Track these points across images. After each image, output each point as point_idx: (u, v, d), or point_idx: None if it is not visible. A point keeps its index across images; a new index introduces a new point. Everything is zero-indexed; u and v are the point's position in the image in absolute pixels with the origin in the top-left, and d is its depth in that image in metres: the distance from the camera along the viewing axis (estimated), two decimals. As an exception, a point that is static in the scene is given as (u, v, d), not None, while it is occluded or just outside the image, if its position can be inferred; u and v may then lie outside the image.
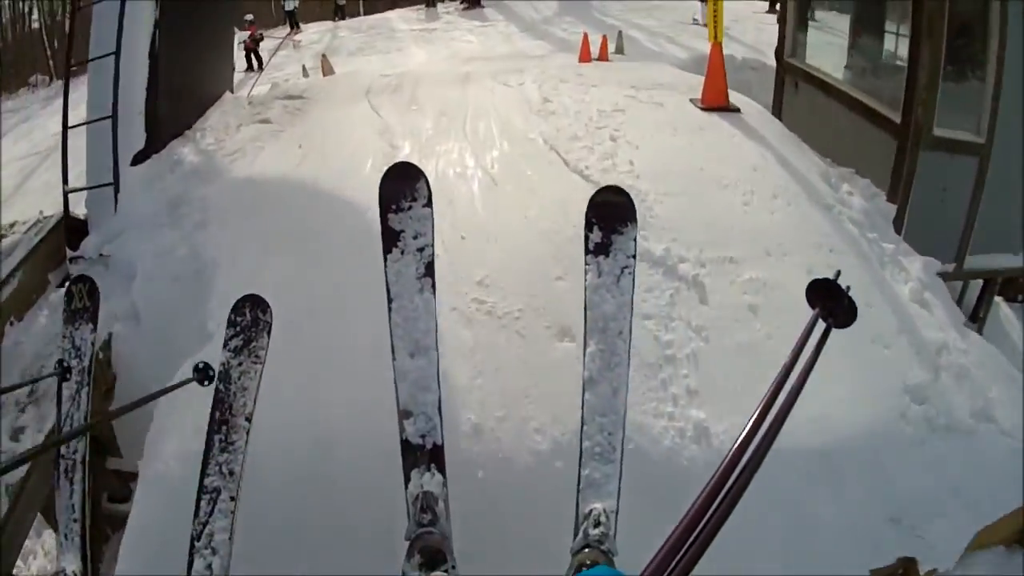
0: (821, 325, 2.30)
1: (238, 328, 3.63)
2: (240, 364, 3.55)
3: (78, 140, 7.83)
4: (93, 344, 3.93)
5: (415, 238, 3.29)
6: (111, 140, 7.72)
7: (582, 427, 3.03)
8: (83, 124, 7.87)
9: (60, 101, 8.21)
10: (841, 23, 10.43)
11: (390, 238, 3.28)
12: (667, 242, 6.20)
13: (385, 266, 3.28)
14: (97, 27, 7.98)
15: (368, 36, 26.90)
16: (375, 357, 3.57)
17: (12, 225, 7.70)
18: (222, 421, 3.40)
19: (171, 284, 6.61)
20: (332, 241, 6.36)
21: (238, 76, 23.07)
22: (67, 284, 4.50)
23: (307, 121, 9.33)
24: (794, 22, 10.89)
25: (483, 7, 28.81)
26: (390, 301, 3.25)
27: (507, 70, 11.51)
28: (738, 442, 1.61)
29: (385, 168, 3.35)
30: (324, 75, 18.47)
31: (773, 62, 14.24)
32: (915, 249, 6.87)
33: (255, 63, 24.86)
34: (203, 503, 3.20)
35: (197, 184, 7.71)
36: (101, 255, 7.29)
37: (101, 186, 7.68)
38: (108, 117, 7.72)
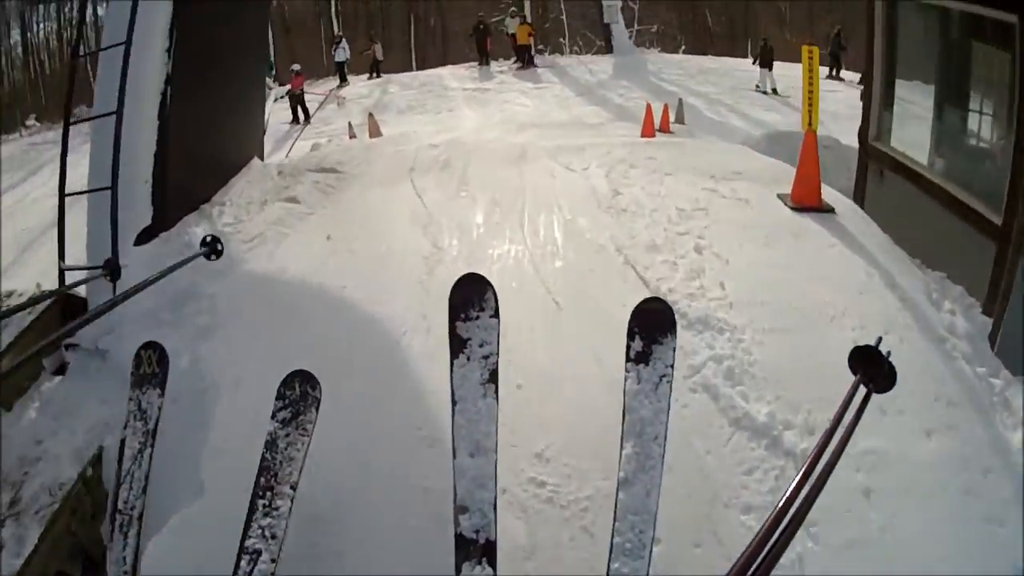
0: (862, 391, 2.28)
1: (287, 401, 3.82)
2: (287, 435, 3.73)
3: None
4: (160, 409, 4.08)
5: (481, 346, 3.59)
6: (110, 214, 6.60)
7: (614, 523, 3.12)
8: (81, 193, 6.83)
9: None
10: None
11: (457, 345, 3.59)
12: (770, 402, 4.84)
13: (451, 371, 3.56)
14: (101, 79, 6.93)
15: (419, 94, 25.70)
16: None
17: (9, 295, 6.73)
18: (267, 487, 3.54)
19: (168, 405, 5.16)
20: (354, 368, 5.22)
21: (282, 127, 22.49)
22: (137, 350, 4.41)
23: (340, 203, 8.13)
24: (879, 100, 9.43)
25: (537, 68, 27.67)
26: (454, 404, 3.51)
27: (567, 147, 10.26)
28: (779, 505, 1.57)
29: (424, 278, 4.30)
30: (370, 136, 17.50)
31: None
32: (1007, 366, 5.56)
33: (301, 115, 23.89)
34: (243, 563, 3.29)
35: (207, 276, 6.41)
36: (98, 347, 6.13)
37: (95, 268, 6.45)
38: (107, 188, 6.60)
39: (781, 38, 31.73)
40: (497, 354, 3.57)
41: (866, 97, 9.79)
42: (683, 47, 33.37)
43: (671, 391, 3.47)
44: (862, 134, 9.73)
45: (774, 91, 23.78)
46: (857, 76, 26.00)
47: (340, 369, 4.95)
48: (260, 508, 3.50)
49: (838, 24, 27.95)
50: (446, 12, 38.40)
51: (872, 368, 2.41)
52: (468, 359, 3.53)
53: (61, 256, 6.89)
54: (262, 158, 10.16)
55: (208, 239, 5.21)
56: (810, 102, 7.49)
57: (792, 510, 1.62)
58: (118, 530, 3.76)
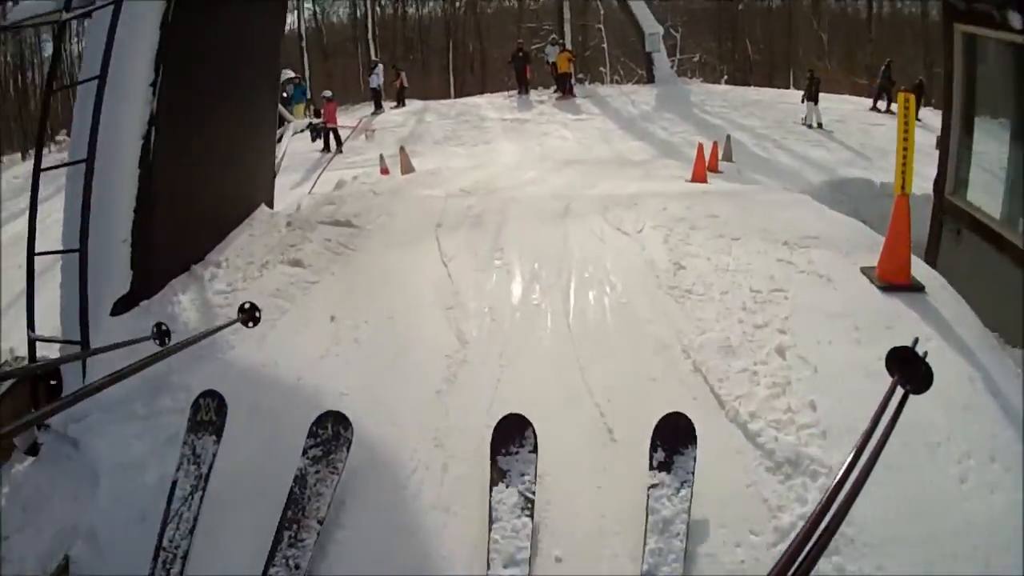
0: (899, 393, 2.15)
1: (318, 440, 3.95)
2: (317, 472, 3.82)
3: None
4: (214, 455, 3.98)
5: (521, 475, 3.81)
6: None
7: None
8: (49, 253, 5.88)
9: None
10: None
11: (498, 475, 3.81)
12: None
13: (490, 496, 3.72)
14: (76, 119, 5.88)
15: (455, 124, 24.34)
16: None
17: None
18: (293, 520, 3.61)
19: (135, 524, 4.30)
20: (342, 526, 4.02)
21: (314, 155, 21.42)
22: (196, 398, 4.33)
23: (351, 269, 6.93)
24: (957, 148, 8.36)
25: (576, 98, 26.24)
26: (491, 523, 3.61)
27: (616, 198, 9.13)
28: (820, 506, 1.52)
29: (443, 386, 4.46)
30: (402, 171, 16.36)
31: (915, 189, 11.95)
32: None
33: (332, 144, 22.70)
34: None
35: (187, 362, 5.18)
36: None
37: (68, 342, 5.67)
38: (75, 251, 5.63)
39: (822, 67, 30.72)
40: (534, 482, 3.79)
41: (943, 144, 8.74)
42: (725, 77, 31.95)
43: (692, 494, 3.60)
44: (938, 186, 8.72)
45: (819, 125, 22.51)
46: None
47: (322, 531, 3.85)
48: (285, 539, 3.55)
49: (882, 54, 26.71)
50: (485, 37, 37.22)
51: (909, 369, 2.25)
52: (507, 487, 3.73)
53: (30, 324, 5.90)
54: (271, 204, 8.96)
55: (247, 306, 4.94)
56: (904, 161, 6.06)
57: (829, 515, 1.50)
58: (160, 567, 3.64)
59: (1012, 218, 7.34)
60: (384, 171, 17.05)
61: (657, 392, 4.72)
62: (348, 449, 3.92)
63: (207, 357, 5.31)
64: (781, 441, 4.24)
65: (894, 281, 5.99)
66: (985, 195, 7.89)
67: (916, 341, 2.38)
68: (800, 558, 1.38)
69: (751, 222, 7.66)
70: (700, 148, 13.89)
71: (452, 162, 18.07)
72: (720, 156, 16.58)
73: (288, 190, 17.39)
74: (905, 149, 6.04)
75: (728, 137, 18.13)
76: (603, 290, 6.10)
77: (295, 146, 23.66)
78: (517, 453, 3.85)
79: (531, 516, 3.61)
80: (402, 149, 17.26)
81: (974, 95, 8.18)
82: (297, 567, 3.48)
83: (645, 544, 3.43)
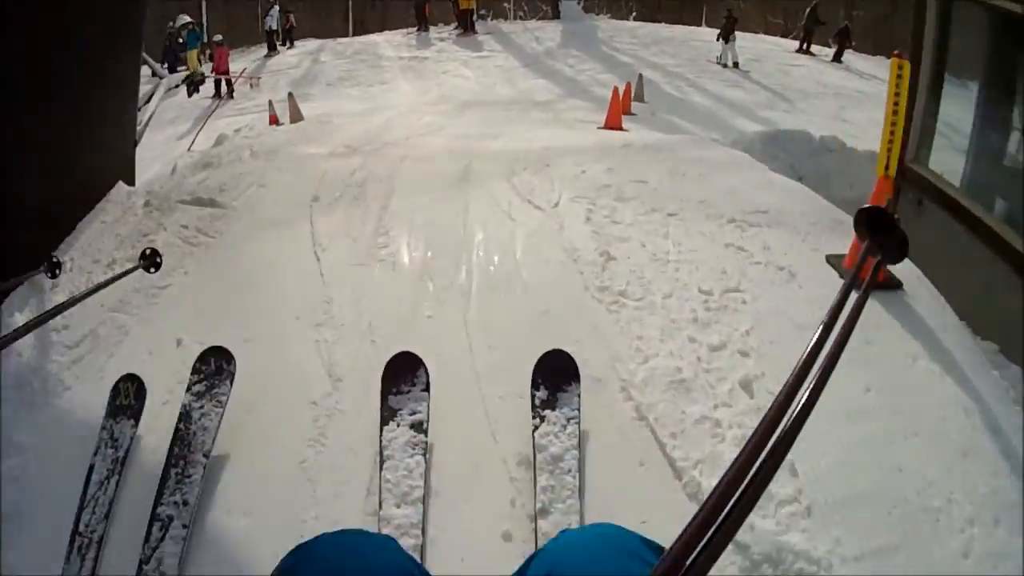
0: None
1: (202, 375, 3.81)
2: (202, 407, 3.67)
3: None
4: (131, 439, 3.73)
5: (412, 415, 3.55)
6: None
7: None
8: None
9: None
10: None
11: (389, 415, 3.54)
12: None
13: (380, 435, 3.44)
14: None
15: (351, 63, 22.43)
16: None
17: None
18: (180, 456, 3.45)
19: None
20: None
21: (204, 101, 19.54)
22: (116, 381, 3.92)
23: (207, 266, 5.43)
24: (922, 113, 7.45)
25: (477, 35, 24.58)
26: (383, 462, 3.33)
27: (525, 154, 7.91)
28: (791, 380, 1.20)
29: (308, 454, 3.49)
30: (291, 119, 14.63)
31: (821, 125, 13.47)
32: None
33: (225, 90, 20.84)
34: (154, 529, 3.18)
35: (28, 411, 4.11)
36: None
37: None
38: None
39: (735, 5, 29.63)
40: (427, 421, 3.52)
41: (907, 111, 7.54)
42: (634, 14, 30.43)
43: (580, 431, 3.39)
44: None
45: (735, 65, 21.48)
46: (830, 52, 24.00)
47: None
48: (172, 476, 3.37)
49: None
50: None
51: (881, 235, 1.74)
52: (398, 426, 3.49)
53: None
54: (131, 179, 7.37)
55: (147, 252, 4.29)
56: (891, 138, 4.88)
57: (801, 397, 1.15)
58: (76, 552, 3.27)
59: (975, 188, 6.60)
60: (273, 119, 15.39)
61: (591, 455, 3.41)
62: (231, 382, 3.78)
63: (45, 405, 4.09)
64: (758, 527, 3.04)
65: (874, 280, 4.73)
66: (945, 162, 7.11)
67: (889, 203, 2.14)
68: (763, 452, 1.03)
69: (687, 191, 6.45)
70: (615, 92, 12.40)
71: (345, 106, 16.41)
72: (632, 96, 15.26)
73: (175, 141, 16.05)
74: (893, 124, 4.88)
75: (640, 76, 16.71)
76: (514, 293, 4.77)
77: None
78: (408, 392, 3.63)
79: (424, 455, 3.38)
80: (290, 95, 15.35)
81: (944, 57, 7.34)
82: (186, 503, 3.29)
83: (536, 483, 3.20)
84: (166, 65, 24.85)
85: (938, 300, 4.95)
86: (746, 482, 0.99)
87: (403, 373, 3.66)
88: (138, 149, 8.45)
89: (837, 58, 23.93)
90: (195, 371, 3.82)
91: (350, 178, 7.05)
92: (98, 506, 3.52)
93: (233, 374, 3.79)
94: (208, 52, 24.16)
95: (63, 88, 5.61)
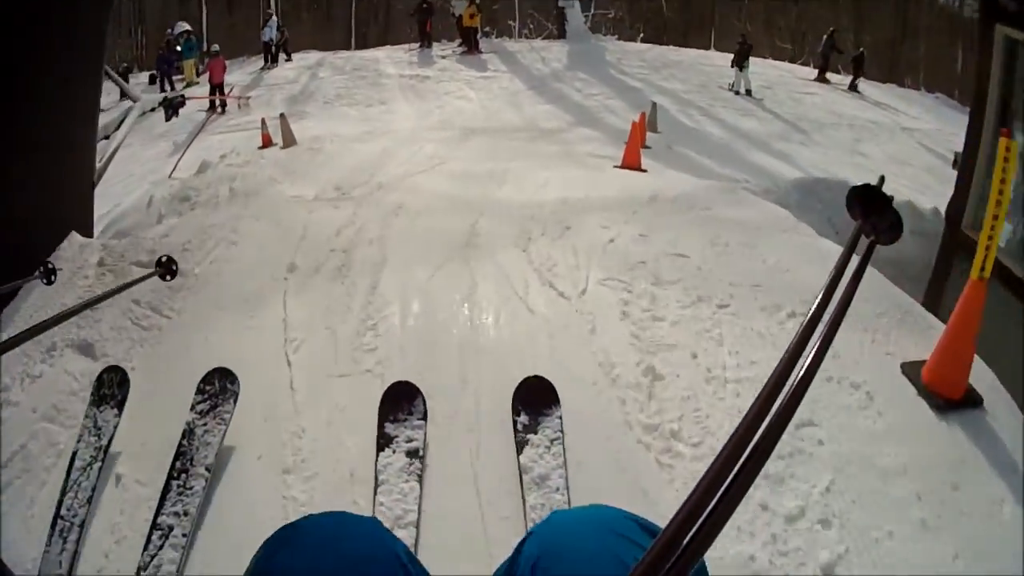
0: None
1: (206, 395, 3.80)
2: (205, 424, 3.67)
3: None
4: (115, 428, 3.76)
5: (409, 441, 3.51)
6: None
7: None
8: None
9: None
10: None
11: (385, 442, 3.48)
12: None
13: (376, 461, 3.35)
14: None
15: (351, 80, 21.24)
16: None
17: None
18: (182, 469, 3.45)
19: None
20: None
21: (199, 115, 18.29)
22: (100, 372, 4.02)
23: (157, 361, 4.42)
24: (984, 174, 6.53)
25: (481, 53, 23.38)
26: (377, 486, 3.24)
27: (540, 214, 6.72)
28: (781, 365, 1.14)
29: None
30: (283, 143, 13.46)
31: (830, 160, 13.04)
32: None
33: (218, 104, 19.65)
34: (154, 537, 3.18)
35: None
36: None
37: None
38: None
39: (741, 30, 28.70)
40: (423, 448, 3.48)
41: (965, 164, 6.98)
42: (642, 35, 29.28)
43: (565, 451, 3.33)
44: (952, 213, 7.08)
45: (748, 92, 20.45)
46: (846, 79, 23.06)
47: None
48: (174, 488, 3.37)
49: (806, 19, 24.95)
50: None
51: (874, 215, 1.68)
52: (394, 452, 3.45)
53: None
54: (88, 228, 6.37)
55: (164, 259, 4.31)
56: (992, 233, 3.81)
57: (791, 382, 1.08)
58: (58, 534, 3.29)
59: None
60: (266, 139, 14.27)
61: None
62: (235, 402, 3.73)
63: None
64: None
65: (949, 396, 3.90)
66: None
67: (882, 179, 1.73)
68: (762, 427, 0.98)
69: (735, 270, 5.30)
70: (634, 128, 11.23)
71: (341, 128, 15.28)
72: (646, 126, 14.06)
73: (166, 157, 14.90)
74: (996, 217, 3.79)
75: (654, 105, 15.53)
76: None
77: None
78: (406, 420, 3.58)
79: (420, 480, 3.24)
80: (283, 117, 14.17)
81: (1009, 107, 6.43)
82: (186, 514, 3.22)
83: (525, 502, 3.09)
84: (157, 76, 23.80)
85: (1018, 417, 3.98)
86: (740, 464, 0.93)
87: (400, 402, 3.65)
88: (123, 165, 7.40)
89: (853, 86, 22.96)
90: (199, 391, 3.81)
91: (335, 238, 5.92)
92: (80, 491, 3.49)
93: (237, 393, 3.78)
94: (205, 64, 23.09)
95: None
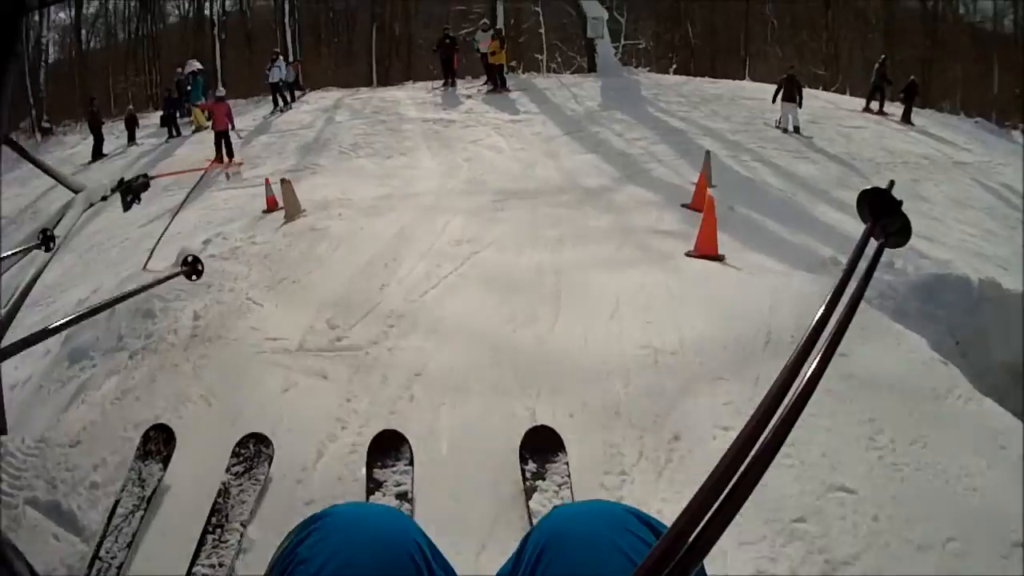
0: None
1: (241, 458, 3.91)
2: (240, 484, 3.77)
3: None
4: (159, 481, 3.86)
5: (396, 486, 3.60)
6: None
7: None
8: None
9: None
10: None
11: (375, 486, 3.58)
12: None
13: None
14: None
15: (370, 125, 18.68)
16: None
17: None
18: (218, 525, 3.50)
19: None
20: None
21: (203, 162, 15.67)
22: (147, 430, 4.19)
23: None
24: None
25: (509, 92, 20.84)
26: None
27: (636, 397, 4.60)
28: (789, 365, 1.07)
29: None
30: (286, 214, 10.93)
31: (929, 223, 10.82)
32: None
33: (224, 152, 17.40)
34: None
35: None
36: None
37: None
38: None
39: (773, 54, 26.50)
40: (411, 491, 3.56)
41: None
42: (674, 66, 26.86)
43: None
44: None
45: (796, 130, 17.94)
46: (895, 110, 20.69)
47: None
48: (209, 542, 3.43)
49: (840, 43, 22.96)
50: (412, 20, 31.36)
51: (884, 217, 1.57)
52: (383, 495, 3.54)
53: None
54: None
55: (189, 259, 3.80)
56: None
57: (800, 380, 1.02)
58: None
59: None
60: (270, 203, 11.98)
61: None
62: (270, 464, 3.89)
63: None
64: None
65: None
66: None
67: (892, 184, 1.62)
68: (770, 424, 0.93)
69: (916, 500, 3.60)
70: (708, 204, 8.64)
71: (356, 187, 12.89)
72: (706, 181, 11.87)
73: (166, 216, 12.09)
74: None
75: (708, 155, 12.89)
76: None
77: (187, 149, 18.99)
78: (394, 466, 3.70)
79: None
80: (284, 183, 11.60)
81: None
82: (221, 565, 3.31)
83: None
84: (165, 120, 21.43)
85: None
86: (751, 457, 0.88)
87: (387, 450, 3.76)
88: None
89: (907, 118, 20.45)
90: (234, 455, 3.90)
91: (313, 468, 3.69)
92: (121, 536, 3.53)
93: (271, 456, 3.90)
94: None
95: None
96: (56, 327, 2.60)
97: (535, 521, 2.98)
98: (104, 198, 8.23)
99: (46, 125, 25.20)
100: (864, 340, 5.34)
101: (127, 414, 4.56)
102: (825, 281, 7.21)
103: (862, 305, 4.36)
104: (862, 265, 1.44)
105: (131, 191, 8.69)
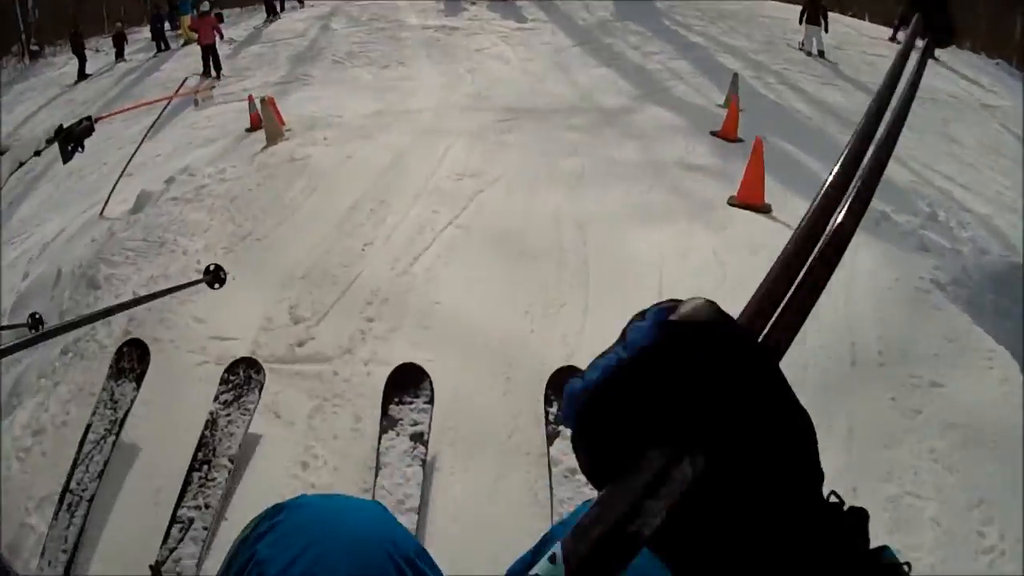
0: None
1: (230, 385, 3.72)
2: (228, 415, 3.57)
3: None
4: (132, 402, 3.70)
5: (413, 425, 3.38)
6: None
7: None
8: None
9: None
10: None
11: (389, 424, 3.38)
12: None
13: (379, 444, 3.24)
14: None
15: (367, 33, 17.01)
16: None
17: None
18: (204, 461, 3.35)
19: None
20: None
21: (192, 80, 14.04)
22: (120, 346, 4.03)
23: None
24: None
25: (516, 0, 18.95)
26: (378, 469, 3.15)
27: None
28: (831, 178, 0.81)
29: None
30: (267, 137, 9.42)
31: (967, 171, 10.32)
32: None
33: (212, 68, 15.97)
34: (174, 531, 3.05)
35: None
36: None
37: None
38: None
39: None
40: (428, 433, 3.36)
41: None
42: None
43: None
44: None
45: (820, 54, 16.49)
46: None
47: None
48: (195, 480, 3.25)
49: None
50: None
51: (930, 14, 1.35)
52: (397, 435, 3.32)
53: None
54: None
55: (212, 267, 3.77)
56: None
57: (855, 185, 0.79)
58: (65, 509, 3.19)
59: None
60: (254, 120, 10.61)
61: None
62: (260, 392, 3.67)
63: None
64: None
65: None
66: None
67: None
68: (828, 230, 0.72)
69: None
70: (756, 147, 7.24)
71: (348, 101, 11.37)
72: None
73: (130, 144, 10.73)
74: None
75: (736, 77, 11.53)
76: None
77: (173, 64, 17.57)
78: (412, 403, 3.46)
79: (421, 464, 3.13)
80: (264, 102, 10.00)
81: None
82: (207, 506, 3.12)
83: (552, 495, 3.01)
84: (154, 41, 19.90)
85: None
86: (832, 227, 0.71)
87: (406, 384, 3.55)
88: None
89: (895, 37, 19.17)
90: (223, 381, 3.72)
91: None
92: (92, 464, 3.37)
93: (262, 383, 3.70)
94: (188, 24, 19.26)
95: None
96: (57, 327, 2.67)
97: (555, 470, 3.07)
98: (37, 153, 6.63)
99: (35, 48, 24.24)
100: (956, 358, 4.55)
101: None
102: (894, 252, 5.94)
103: (947, 306, 4.75)
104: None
105: (71, 139, 6.97)
